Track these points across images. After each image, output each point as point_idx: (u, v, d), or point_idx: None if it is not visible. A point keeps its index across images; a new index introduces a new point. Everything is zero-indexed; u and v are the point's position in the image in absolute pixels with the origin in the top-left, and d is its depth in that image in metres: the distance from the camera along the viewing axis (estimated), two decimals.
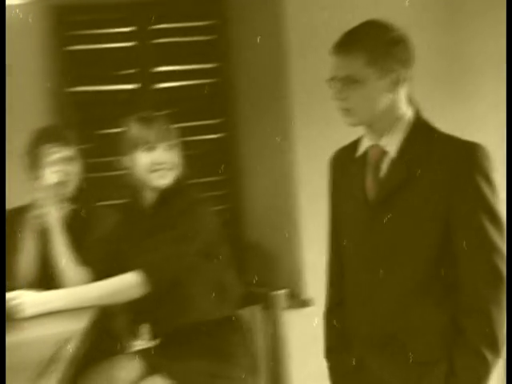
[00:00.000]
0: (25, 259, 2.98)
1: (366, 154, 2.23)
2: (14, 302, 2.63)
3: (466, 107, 4.07)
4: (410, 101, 2.20)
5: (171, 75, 4.22)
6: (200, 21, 4.25)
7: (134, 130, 2.89)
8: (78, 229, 3.05)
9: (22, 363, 2.07)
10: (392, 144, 2.17)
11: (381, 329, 2.18)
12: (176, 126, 3.05)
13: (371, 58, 2.08)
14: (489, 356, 2.07)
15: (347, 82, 2.10)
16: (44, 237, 2.98)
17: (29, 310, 2.61)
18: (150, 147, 2.85)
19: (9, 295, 2.65)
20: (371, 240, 2.18)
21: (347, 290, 2.30)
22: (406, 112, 2.18)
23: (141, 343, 3.03)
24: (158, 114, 3.01)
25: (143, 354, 2.90)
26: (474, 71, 4.10)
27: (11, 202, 3.22)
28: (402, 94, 2.17)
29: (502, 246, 2.10)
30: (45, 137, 3.10)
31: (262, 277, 4.07)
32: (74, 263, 2.93)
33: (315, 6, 3.71)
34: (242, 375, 2.86)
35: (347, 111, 2.14)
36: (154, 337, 2.93)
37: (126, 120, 2.95)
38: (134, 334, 3.02)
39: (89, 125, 4.05)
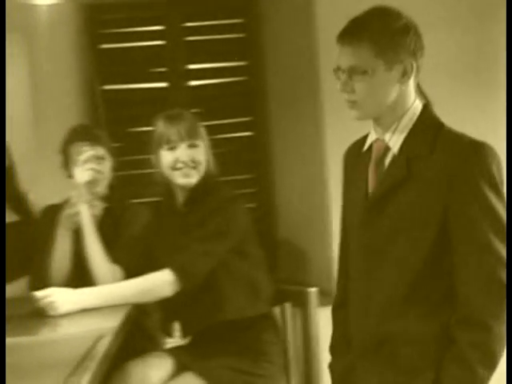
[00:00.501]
0: (58, 257, 3.00)
1: (371, 148, 2.16)
2: (47, 300, 2.64)
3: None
4: (420, 93, 2.12)
5: (202, 73, 4.22)
6: (230, 18, 4.25)
7: (160, 128, 2.90)
8: (110, 227, 3.07)
9: (55, 360, 2.08)
10: (395, 139, 2.08)
11: (373, 333, 2.09)
12: (206, 123, 3.06)
13: (378, 47, 1.99)
14: (481, 371, 1.94)
15: (353, 73, 2.01)
16: (77, 235, 3.00)
17: (62, 308, 2.63)
18: (173, 145, 2.86)
19: (42, 292, 2.67)
20: (366, 238, 2.10)
21: (349, 289, 2.23)
22: (415, 106, 2.09)
23: (173, 341, 3.04)
24: (184, 111, 3.00)
25: (175, 351, 2.91)
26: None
27: (46, 200, 3.24)
28: (411, 86, 2.08)
29: (505, 255, 1.97)
30: (76, 135, 3.11)
31: (294, 274, 4.06)
32: (107, 261, 2.94)
33: (347, 2, 3.70)
34: (274, 373, 2.86)
35: (353, 103, 2.05)
36: (186, 334, 2.94)
37: (155, 118, 2.96)
38: (167, 332, 3.03)
39: (120, 123, 4.08)
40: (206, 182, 2.91)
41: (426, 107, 2.11)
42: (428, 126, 2.07)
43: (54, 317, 2.60)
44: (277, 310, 3.09)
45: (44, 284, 2.85)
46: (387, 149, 2.10)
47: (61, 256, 3.00)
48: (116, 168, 3.20)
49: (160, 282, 2.73)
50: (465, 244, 1.98)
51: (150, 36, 4.15)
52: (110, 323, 2.45)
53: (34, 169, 3.63)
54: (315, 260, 4.00)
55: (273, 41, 4.20)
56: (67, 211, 3.00)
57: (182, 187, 2.91)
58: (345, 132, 3.81)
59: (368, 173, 2.14)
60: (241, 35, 4.26)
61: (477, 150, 1.98)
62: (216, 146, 3.04)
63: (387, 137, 2.09)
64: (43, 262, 3.00)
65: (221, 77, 4.24)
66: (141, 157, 3.46)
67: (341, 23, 2.08)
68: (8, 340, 2.25)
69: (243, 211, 2.91)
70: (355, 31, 2.02)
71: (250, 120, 4.26)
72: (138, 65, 4.13)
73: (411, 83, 2.07)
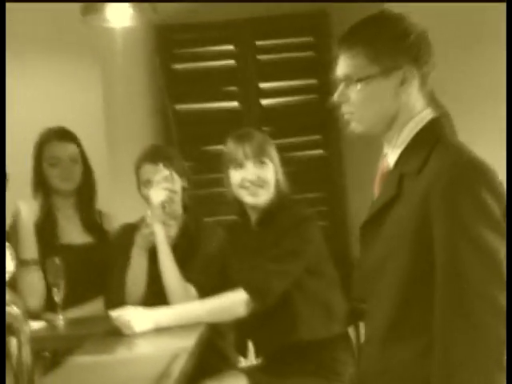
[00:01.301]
0: (133, 276, 3.02)
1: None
2: (123, 319, 2.66)
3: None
4: (436, 105, 1.90)
5: (273, 92, 4.23)
6: (301, 37, 4.26)
7: (228, 147, 2.91)
8: (185, 246, 3.07)
9: (132, 379, 2.08)
10: (393, 154, 1.88)
11: (372, 363, 1.89)
12: (277, 142, 3.05)
13: (373, 53, 1.82)
14: None
15: (349, 82, 1.86)
16: (152, 254, 3.01)
17: (138, 327, 2.64)
18: (240, 164, 2.86)
19: (118, 312, 2.69)
20: (362, 261, 1.93)
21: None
22: (419, 117, 1.87)
23: (247, 360, 3.03)
24: (253, 130, 3.00)
25: (250, 371, 2.89)
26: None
27: (121, 220, 3.28)
28: (415, 95, 1.87)
29: (488, 288, 1.66)
30: (150, 156, 3.14)
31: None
32: (181, 280, 2.94)
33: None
34: None
35: (351, 115, 1.88)
36: (260, 355, 2.92)
37: (227, 137, 2.97)
38: (241, 352, 3.02)
39: (193, 142, 4.11)
40: (278, 201, 2.89)
41: (435, 119, 1.87)
42: (426, 139, 1.83)
43: (129, 336, 2.61)
44: (351, 330, 3.05)
45: (120, 303, 2.87)
46: (388, 165, 1.93)
47: (136, 275, 3.02)
48: (190, 187, 3.22)
49: (234, 302, 2.72)
50: (443, 277, 1.71)
51: (221, 55, 4.18)
52: (185, 342, 2.44)
53: (109, 189, 3.67)
54: None
55: None
56: (142, 231, 3.02)
57: (253, 206, 2.90)
58: None
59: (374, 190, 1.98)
60: (311, 53, 4.26)
61: (461, 172, 1.72)
62: (287, 164, 3.03)
63: (389, 151, 1.91)
64: (119, 281, 3.03)
65: (292, 95, 4.24)
66: (214, 175, 3.47)
67: None
68: (85, 358, 2.27)
69: (317, 230, 2.88)
70: (350, 38, 1.89)
71: (322, 138, 4.25)
72: (210, 84, 4.16)
73: (414, 92, 1.86)
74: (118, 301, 2.93)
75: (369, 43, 1.84)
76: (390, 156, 1.89)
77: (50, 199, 3.26)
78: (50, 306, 3.04)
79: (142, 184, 3.12)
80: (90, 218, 3.32)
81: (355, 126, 1.91)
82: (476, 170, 1.72)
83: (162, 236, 2.98)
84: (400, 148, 1.86)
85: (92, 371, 2.16)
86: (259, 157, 2.88)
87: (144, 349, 2.53)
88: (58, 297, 2.99)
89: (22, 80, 4.13)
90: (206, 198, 4.00)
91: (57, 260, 2.99)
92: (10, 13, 4.03)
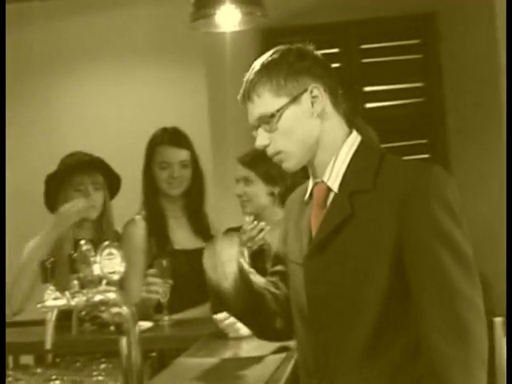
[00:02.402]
0: None
1: (312, 194, 1.88)
2: (227, 322, 2.66)
3: None
4: (354, 123, 1.87)
5: (378, 95, 4.18)
6: (407, 39, 4.20)
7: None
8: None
9: (240, 382, 2.09)
10: (334, 177, 1.81)
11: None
12: (383, 146, 3.01)
13: (275, 86, 1.78)
14: None
15: (265, 123, 1.80)
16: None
17: (243, 330, 2.64)
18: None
19: (223, 315, 2.69)
20: (311, 288, 1.82)
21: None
22: (351, 138, 1.83)
23: None
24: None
25: None
26: None
27: (226, 224, 3.31)
28: (335, 117, 1.83)
29: (468, 291, 1.69)
30: (241, 157, 3.18)
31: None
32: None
33: None
34: None
35: (278, 155, 1.82)
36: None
37: None
38: None
39: None
40: None
41: (365, 138, 1.85)
42: (368, 156, 1.81)
43: (235, 339, 2.62)
44: None
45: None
46: (328, 190, 1.84)
47: None
48: (284, 192, 3.23)
49: None
50: (423, 281, 1.70)
51: (326, 58, 4.16)
52: (290, 345, 2.43)
53: (214, 194, 3.70)
54: (497, 287, 3.85)
55: (450, 61, 4.10)
56: (246, 236, 3.02)
57: None
58: None
59: (311, 219, 1.87)
60: (418, 56, 4.19)
61: (424, 174, 1.73)
62: None
63: (326, 177, 1.83)
64: None
65: (397, 98, 4.19)
66: None
67: None
68: (192, 360, 2.30)
69: None
70: (246, 87, 1.83)
71: (427, 142, 4.18)
72: None
73: (330, 111, 1.82)
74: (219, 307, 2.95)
75: (268, 76, 1.79)
76: (330, 180, 1.82)
77: (159, 201, 3.29)
78: (157, 307, 3.08)
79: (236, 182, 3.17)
80: (201, 223, 3.32)
81: (286, 165, 1.85)
82: (435, 170, 1.75)
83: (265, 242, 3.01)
84: (341, 169, 1.81)
85: (199, 373, 2.18)
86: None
87: (250, 351, 2.53)
88: (164, 298, 3.02)
89: (130, 86, 4.22)
90: None
91: (164, 262, 3.03)
92: (114, 21, 4.14)
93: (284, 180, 3.16)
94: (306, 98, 1.79)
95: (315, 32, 4.14)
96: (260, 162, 3.13)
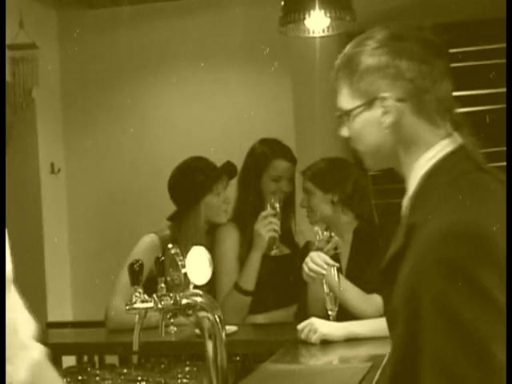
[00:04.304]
0: (313, 289, 3.03)
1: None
2: (307, 329, 2.65)
3: None
4: (450, 133, 1.59)
5: (465, 100, 4.11)
6: (493, 44, 4.12)
7: None
8: (361, 257, 3.04)
9: None
10: (406, 198, 1.59)
11: None
12: None
13: (349, 80, 1.62)
14: None
15: (343, 116, 1.65)
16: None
17: (329, 336, 2.62)
18: None
19: (304, 323, 2.68)
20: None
21: None
22: (427, 152, 1.57)
23: None
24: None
25: None
26: None
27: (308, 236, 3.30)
28: (418, 125, 1.57)
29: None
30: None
31: None
32: (362, 294, 2.89)
33: None
34: None
35: (357, 151, 1.69)
36: None
37: None
38: None
39: None
40: None
41: (455, 150, 1.57)
42: (442, 176, 1.54)
43: (320, 345, 2.60)
44: None
45: (307, 314, 2.88)
46: None
47: (315, 288, 3.03)
48: (376, 197, 3.21)
49: None
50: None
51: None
52: (375, 353, 2.41)
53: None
54: None
55: None
56: (314, 247, 3.01)
57: None
58: None
59: None
60: (503, 61, 4.10)
61: (446, 242, 1.40)
62: None
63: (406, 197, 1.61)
64: (304, 293, 3.05)
65: (484, 104, 4.11)
66: (397, 186, 3.41)
67: None
68: (277, 366, 2.29)
69: None
70: (335, 73, 1.68)
71: (505, 150, 4.08)
72: None
73: (413, 124, 1.58)
74: (304, 311, 2.96)
75: (344, 76, 1.64)
76: (405, 200, 1.59)
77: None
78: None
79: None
80: (288, 232, 3.35)
81: (365, 164, 1.70)
82: (461, 238, 1.41)
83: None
84: (410, 191, 1.57)
85: (284, 380, 2.17)
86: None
87: (332, 359, 2.51)
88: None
89: (218, 88, 4.26)
90: (395, 207, 3.94)
91: (276, 204, 3.15)
92: (204, 24, 4.17)
93: (343, 187, 3.13)
94: (377, 105, 1.60)
95: None
96: (318, 173, 3.13)
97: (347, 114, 1.65)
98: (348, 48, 1.68)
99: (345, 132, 1.69)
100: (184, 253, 2.52)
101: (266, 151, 3.30)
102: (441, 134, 1.58)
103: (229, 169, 3.27)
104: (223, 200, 3.23)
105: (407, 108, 1.58)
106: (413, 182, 1.57)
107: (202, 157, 3.29)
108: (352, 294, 2.90)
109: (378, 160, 1.67)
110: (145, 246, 3.17)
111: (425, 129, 1.58)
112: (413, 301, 1.44)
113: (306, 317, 2.76)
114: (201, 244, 2.10)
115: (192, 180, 3.22)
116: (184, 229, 3.22)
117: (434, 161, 1.56)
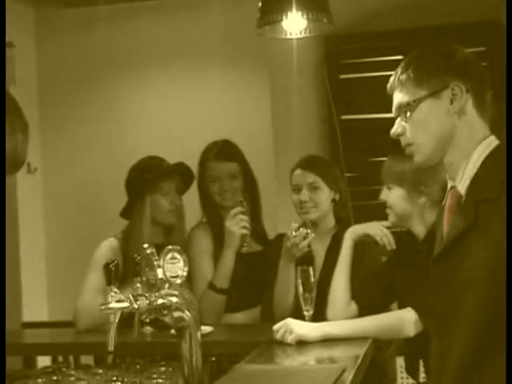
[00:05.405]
0: (280, 289, 3.03)
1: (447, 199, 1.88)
2: (282, 330, 2.64)
3: None
4: (494, 125, 1.84)
5: None
6: (473, 47, 4.13)
7: (388, 161, 2.86)
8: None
9: None
10: (464, 182, 1.80)
11: None
12: None
13: (419, 76, 1.80)
14: None
15: (402, 112, 1.83)
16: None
17: (304, 336, 2.62)
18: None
19: (279, 324, 2.67)
20: (437, 293, 1.83)
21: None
22: (488, 141, 1.80)
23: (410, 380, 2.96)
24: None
25: None
26: None
27: (280, 230, 3.31)
28: (474, 116, 1.81)
29: None
30: (302, 163, 3.17)
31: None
32: (349, 297, 2.88)
33: None
34: None
35: (410, 147, 1.84)
36: (428, 373, 2.84)
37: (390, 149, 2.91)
38: (411, 373, 2.94)
39: (359, 153, 4.07)
40: None
41: (503, 144, 1.80)
42: (500, 162, 1.74)
43: (296, 346, 2.59)
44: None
45: (274, 314, 2.90)
46: (460, 197, 1.82)
47: (282, 289, 3.03)
48: (344, 199, 3.22)
49: (403, 321, 2.65)
50: None
51: (389, 66, 4.11)
52: (348, 355, 2.42)
53: (275, 197, 3.70)
54: None
55: None
56: (287, 244, 3.01)
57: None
58: None
59: (443, 226, 1.88)
60: (484, 64, 4.12)
61: None
62: None
63: (457, 180, 1.82)
64: (270, 291, 3.05)
65: None
66: (379, 187, 3.42)
67: None
68: (252, 367, 2.29)
69: None
70: (394, 78, 1.89)
71: None
72: (378, 95, 4.09)
73: (470, 112, 1.81)
74: (269, 311, 2.97)
75: (414, 68, 1.82)
76: (460, 184, 1.80)
77: (217, 210, 3.31)
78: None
79: (292, 189, 3.15)
80: (257, 229, 3.34)
81: (417, 158, 1.86)
82: None
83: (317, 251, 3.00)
84: (471, 173, 1.79)
85: (259, 380, 2.16)
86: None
87: (308, 360, 2.51)
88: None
89: (195, 89, 4.25)
90: (370, 209, 3.94)
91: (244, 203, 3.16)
92: (182, 25, 4.17)
93: (342, 187, 3.17)
94: (446, 94, 1.79)
95: (379, 39, 4.11)
96: (326, 168, 3.14)
97: (409, 104, 1.81)
98: (416, 53, 1.90)
99: (398, 129, 1.85)
100: (134, 250, 2.56)
101: (202, 154, 3.33)
102: (487, 130, 1.82)
103: (179, 170, 3.25)
104: (170, 201, 3.22)
105: (470, 99, 1.79)
106: (470, 167, 1.77)
107: (157, 156, 3.30)
108: (339, 290, 2.89)
109: (437, 149, 1.81)
110: (104, 249, 3.19)
111: (480, 122, 1.81)
112: (501, 268, 1.62)
113: (272, 317, 2.77)
114: (155, 244, 2.10)
115: (137, 177, 3.23)
116: (132, 227, 3.23)
117: (489, 150, 1.78)
